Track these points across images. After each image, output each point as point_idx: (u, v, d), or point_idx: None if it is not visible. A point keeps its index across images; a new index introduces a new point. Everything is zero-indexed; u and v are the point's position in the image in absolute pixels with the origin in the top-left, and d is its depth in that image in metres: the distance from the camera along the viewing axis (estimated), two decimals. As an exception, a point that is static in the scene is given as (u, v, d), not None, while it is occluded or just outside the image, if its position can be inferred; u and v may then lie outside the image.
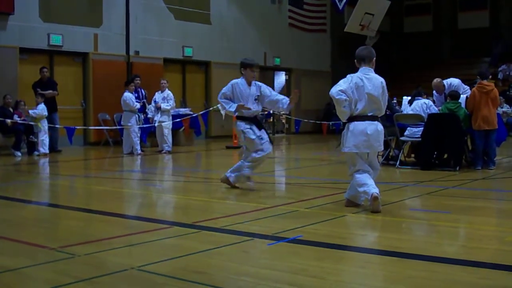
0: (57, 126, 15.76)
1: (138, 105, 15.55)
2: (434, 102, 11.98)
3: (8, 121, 14.50)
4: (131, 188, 9.86)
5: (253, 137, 8.35)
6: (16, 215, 7.03)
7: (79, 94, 18.39)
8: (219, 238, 5.54)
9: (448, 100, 11.21)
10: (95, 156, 15.86)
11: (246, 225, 6.08)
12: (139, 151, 15.24)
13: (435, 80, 12.23)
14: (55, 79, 16.95)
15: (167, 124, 15.92)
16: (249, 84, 8.56)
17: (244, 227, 5.94)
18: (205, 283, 4.08)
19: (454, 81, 12.22)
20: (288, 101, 8.38)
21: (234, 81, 8.62)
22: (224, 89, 8.63)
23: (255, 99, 8.50)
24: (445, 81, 12.19)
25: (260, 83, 8.69)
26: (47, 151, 14.89)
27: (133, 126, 15.27)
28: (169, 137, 15.78)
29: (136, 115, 15.54)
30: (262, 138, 8.40)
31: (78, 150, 16.92)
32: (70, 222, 6.68)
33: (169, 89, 16.08)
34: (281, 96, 8.61)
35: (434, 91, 12.38)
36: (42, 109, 14.92)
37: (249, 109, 8.37)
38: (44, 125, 14.95)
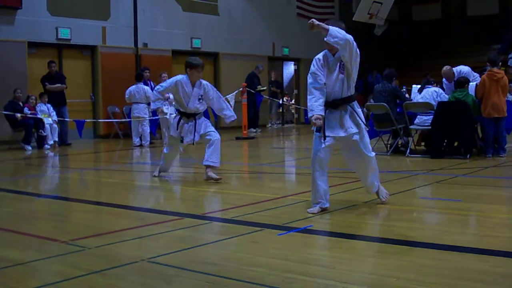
0: (66, 119, 15.80)
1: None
2: (443, 90, 11.93)
3: (18, 115, 14.54)
4: (141, 180, 9.87)
5: (172, 132, 8.90)
6: (26, 208, 7.05)
7: (88, 87, 18.41)
8: (229, 229, 5.54)
9: (455, 87, 11.16)
10: (105, 148, 15.89)
11: (256, 215, 6.08)
12: (149, 143, 15.40)
13: (445, 68, 12.17)
14: (64, 72, 16.98)
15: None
16: (193, 84, 8.68)
17: (254, 218, 5.94)
18: (215, 274, 4.08)
19: (464, 69, 12.15)
20: (230, 119, 8.86)
21: (178, 77, 8.74)
22: (165, 84, 8.92)
23: (199, 99, 8.69)
24: (454, 69, 12.13)
25: (205, 83, 8.82)
26: (52, 141, 15.13)
27: (147, 118, 15.45)
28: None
29: (149, 107, 15.73)
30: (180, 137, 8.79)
31: (88, 143, 16.96)
32: (81, 215, 6.70)
33: None
34: (227, 109, 8.96)
35: (444, 79, 12.32)
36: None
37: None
38: (49, 120, 15.19)
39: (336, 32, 5.84)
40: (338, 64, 6.05)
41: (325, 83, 6.03)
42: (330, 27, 5.85)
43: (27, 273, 4.27)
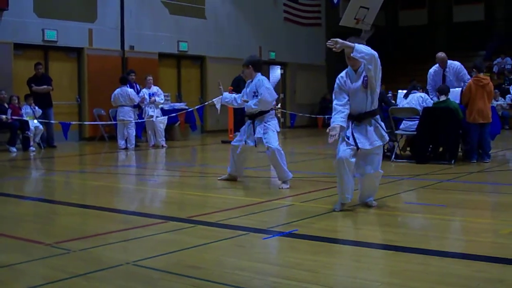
0: (52, 121, 15.73)
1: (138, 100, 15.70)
2: (428, 94, 11.89)
3: (3, 116, 14.46)
4: (127, 183, 9.85)
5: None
6: (11, 211, 7.02)
7: (74, 90, 18.32)
8: (214, 232, 5.54)
9: (438, 95, 11.16)
10: (91, 151, 15.83)
11: (242, 219, 6.08)
12: (134, 146, 15.38)
13: (440, 54, 12.02)
14: (50, 74, 16.89)
15: (162, 119, 16.00)
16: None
17: (240, 222, 5.95)
18: (200, 277, 4.09)
19: (455, 63, 11.98)
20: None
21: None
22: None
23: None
24: (448, 61, 12.04)
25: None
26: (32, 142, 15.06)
27: (132, 120, 15.41)
28: (162, 132, 15.87)
29: (134, 110, 15.71)
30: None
31: (73, 145, 16.88)
32: (66, 217, 6.68)
33: (154, 85, 16.22)
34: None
35: (436, 65, 12.11)
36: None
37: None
38: (35, 122, 15.10)
39: (362, 48, 6.16)
40: (362, 79, 6.34)
41: (348, 100, 6.33)
42: (355, 44, 6.16)
43: (11, 275, 4.25)
